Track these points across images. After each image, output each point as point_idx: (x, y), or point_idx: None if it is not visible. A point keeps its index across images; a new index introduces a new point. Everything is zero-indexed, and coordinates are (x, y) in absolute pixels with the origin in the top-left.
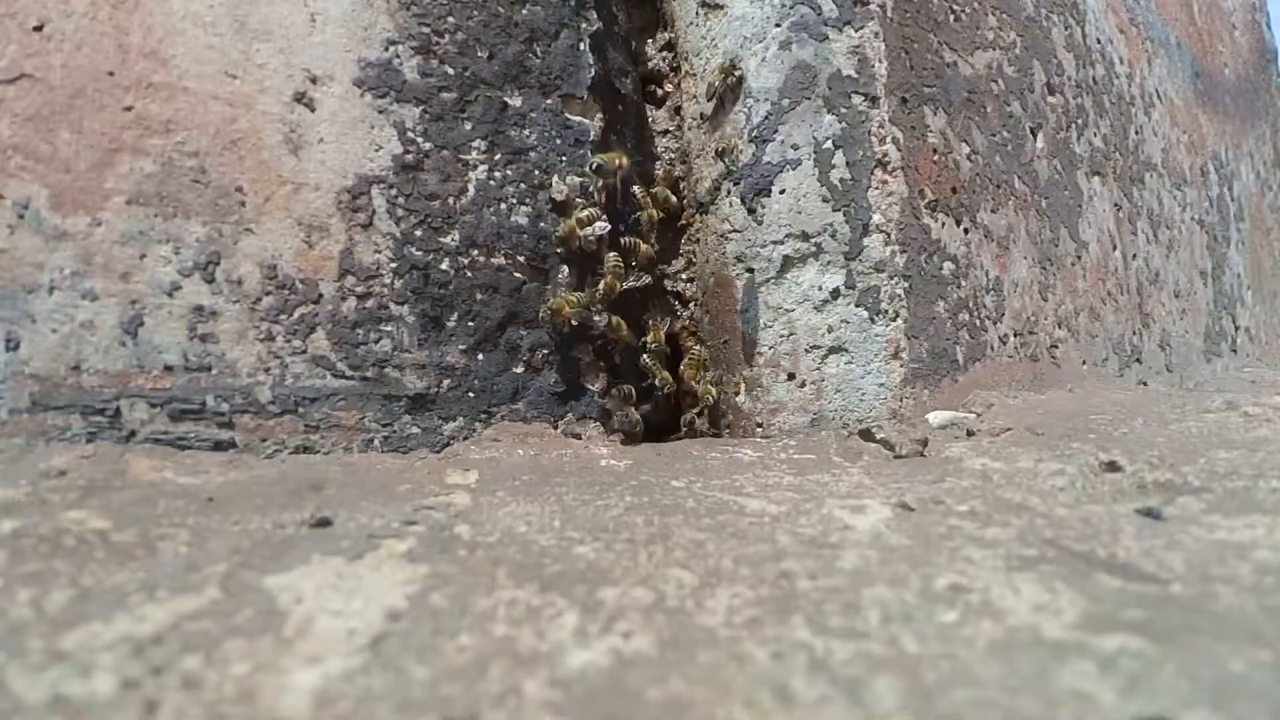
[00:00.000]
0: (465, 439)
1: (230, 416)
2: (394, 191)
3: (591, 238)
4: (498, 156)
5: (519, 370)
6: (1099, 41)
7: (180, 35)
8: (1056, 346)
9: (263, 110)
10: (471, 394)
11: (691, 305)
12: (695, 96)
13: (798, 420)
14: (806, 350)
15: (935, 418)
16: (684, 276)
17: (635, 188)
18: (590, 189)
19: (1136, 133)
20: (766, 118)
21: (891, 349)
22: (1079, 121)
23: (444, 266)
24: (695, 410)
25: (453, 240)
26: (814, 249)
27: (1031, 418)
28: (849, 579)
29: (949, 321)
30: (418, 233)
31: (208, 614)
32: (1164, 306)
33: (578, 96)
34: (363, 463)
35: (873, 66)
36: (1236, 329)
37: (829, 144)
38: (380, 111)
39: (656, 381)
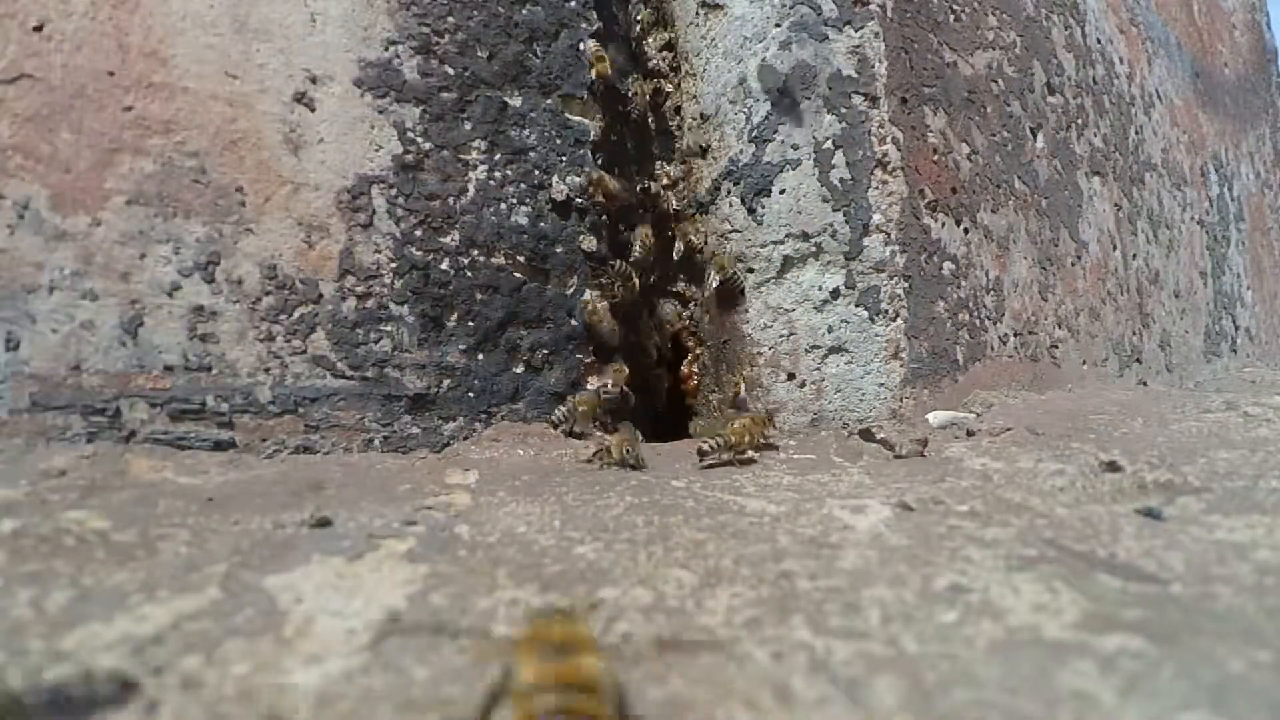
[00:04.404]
0: (465, 439)
1: (230, 416)
2: (394, 191)
3: None
4: (498, 156)
5: (519, 370)
6: (1099, 41)
7: (180, 35)
8: (1056, 346)
9: (263, 110)
10: (471, 394)
11: (691, 305)
12: (695, 96)
13: (798, 420)
14: (806, 350)
15: (935, 418)
16: (684, 276)
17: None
18: (590, 190)
19: (1136, 133)
20: (766, 118)
21: (891, 349)
22: (1079, 121)
23: (444, 266)
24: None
25: (453, 240)
26: (814, 249)
27: (1031, 418)
28: (849, 579)
29: (949, 321)
30: (418, 233)
31: (208, 614)
32: (1164, 306)
33: (578, 96)
34: (363, 463)
35: (873, 66)
36: (1236, 329)
37: (829, 144)
38: (380, 111)
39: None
